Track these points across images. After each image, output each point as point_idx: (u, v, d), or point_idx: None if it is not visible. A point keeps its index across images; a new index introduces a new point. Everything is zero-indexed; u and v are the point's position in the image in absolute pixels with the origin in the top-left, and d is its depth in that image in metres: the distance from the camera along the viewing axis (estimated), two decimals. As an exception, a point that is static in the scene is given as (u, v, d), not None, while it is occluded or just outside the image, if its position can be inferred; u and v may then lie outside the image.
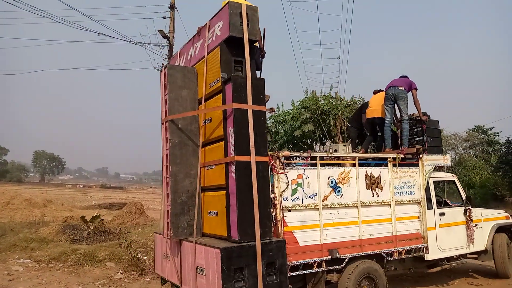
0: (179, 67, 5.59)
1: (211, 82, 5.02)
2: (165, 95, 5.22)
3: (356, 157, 6.06)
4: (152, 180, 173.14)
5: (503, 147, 41.76)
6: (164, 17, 11.47)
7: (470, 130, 39.20)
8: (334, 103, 14.57)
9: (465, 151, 37.01)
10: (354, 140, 8.52)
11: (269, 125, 16.17)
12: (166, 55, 11.52)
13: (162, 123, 5.21)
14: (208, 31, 5.16)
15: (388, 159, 6.35)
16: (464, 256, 7.26)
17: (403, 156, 6.61)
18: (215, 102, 4.94)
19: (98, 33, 10.88)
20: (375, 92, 8.07)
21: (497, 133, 44.04)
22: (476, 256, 7.55)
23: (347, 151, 6.71)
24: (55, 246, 10.16)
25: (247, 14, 4.71)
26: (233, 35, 4.65)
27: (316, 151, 15.51)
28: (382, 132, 7.54)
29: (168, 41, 11.59)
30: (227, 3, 4.69)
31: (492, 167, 40.85)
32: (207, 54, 5.11)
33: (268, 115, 15.74)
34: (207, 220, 5.02)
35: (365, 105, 8.35)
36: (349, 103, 14.68)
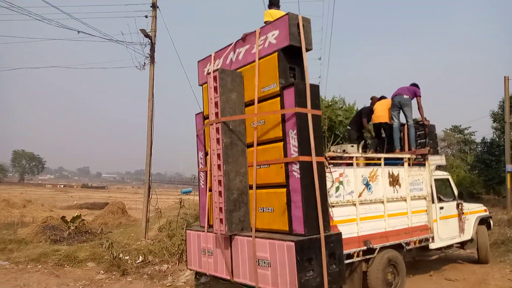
0: (228, 70, 5.77)
1: (264, 87, 5.34)
2: (215, 98, 5.49)
3: (382, 157, 6.77)
4: (135, 179, 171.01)
5: (478, 146, 42.78)
6: (146, 16, 11.34)
7: (447, 129, 40.00)
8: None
9: (442, 150, 37.75)
10: (353, 141, 8.96)
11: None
12: (148, 54, 11.43)
13: (211, 124, 5.48)
14: (259, 39, 5.51)
15: (404, 159, 7.15)
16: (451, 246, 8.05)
17: (415, 157, 7.50)
18: (270, 106, 5.26)
19: (78, 31, 10.73)
20: (380, 98, 8.81)
21: (473, 132, 45.05)
22: (460, 245, 8.29)
23: (359, 152, 7.19)
24: (34, 247, 9.98)
25: (303, 25, 5.13)
26: (293, 44, 5.04)
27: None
28: (389, 136, 8.33)
29: (150, 40, 11.48)
30: (286, 14, 5.11)
31: (468, 165, 41.83)
32: (258, 60, 5.45)
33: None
34: (258, 216, 5.28)
35: (365, 110, 9.27)
36: (330, 103, 14.87)
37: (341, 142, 14.70)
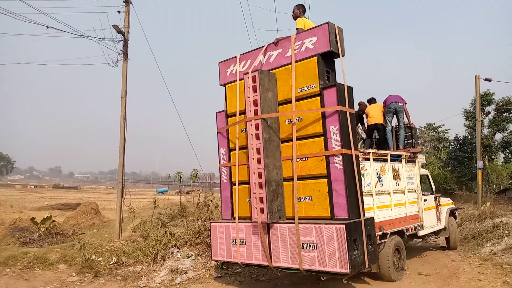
0: (265, 71, 6.24)
1: (302, 87, 5.99)
2: (254, 96, 6.01)
3: (388, 154, 7.63)
4: (109, 179, 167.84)
5: (451, 143, 44.01)
6: (119, 12, 11.08)
7: (422, 127, 40.92)
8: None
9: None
10: None
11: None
12: (121, 50, 11.17)
13: (249, 121, 5.98)
14: (294, 43, 6.17)
15: (402, 156, 8.13)
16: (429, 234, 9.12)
17: (409, 154, 8.47)
18: (308, 105, 5.89)
19: (48, 27, 10.37)
20: (370, 101, 9.83)
21: (447, 130, 46.31)
22: (435, 233, 9.40)
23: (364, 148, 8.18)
24: (2, 250, 9.61)
25: (338, 33, 5.92)
26: (332, 50, 5.77)
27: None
28: (382, 136, 9.29)
29: (123, 36, 11.22)
30: (327, 23, 5.80)
31: (442, 162, 42.94)
32: (295, 63, 6.08)
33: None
34: (294, 205, 5.81)
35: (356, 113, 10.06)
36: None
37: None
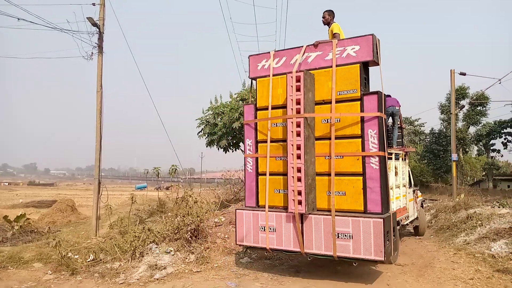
0: (309, 73, 6.61)
1: (342, 91, 6.47)
2: (297, 95, 6.40)
3: (393, 153, 8.10)
4: (86, 175, 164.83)
5: (427, 137, 44.96)
6: (94, 4, 10.83)
7: (399, 121, 41.39)
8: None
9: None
10: None
11: (207, 117, 16.02)
12: (95, 43, 10.93)
13: (290, 118, 6.43)
14: (335, 48, 6.61)
15: (400, 155, 8.73)
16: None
17: (404, 153, 9.24)
18: (347, 108, 6.42)
19: (18, 19, 10.03)
20: None
21: (423, 124, 47.32)
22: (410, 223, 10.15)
23: None
24: (-26, 249, 9.32)
25: (377, 45, 6.49)
26: (374, 60, 6.36)
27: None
28: None
29: (98, 29, 10.98)
30: (371, 35, 6.34)
31: (418, 155, 43.80)
32: (336, 67, 6.54)
33: (206, 106, 15.45)
34: (327, 198, 6.48)
35: None
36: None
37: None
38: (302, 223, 6.45)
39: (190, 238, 8.13)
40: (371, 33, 6.41)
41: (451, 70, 21.46)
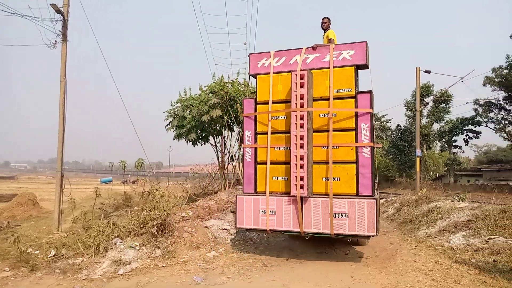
0: (310, 72, 7.47)
1: (338, 89, 7.40)
2: (301, 91, 7.25)
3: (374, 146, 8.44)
4: (49, 168, 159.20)
5: (393, 133, 46.18)
6: (58, -11, 10.40)
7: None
8: (241, 89, 14.67)
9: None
10: None
11: (176, 109, 15.79)
12: (59, 31, 10.52)
13: (294, 111, 7.24)
14: (333, 52, 7.54)
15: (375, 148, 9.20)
16: None
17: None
18: (342, 104, 7.34)
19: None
20: None
21: (389, 120, 48.54)
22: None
23: None
24: None
25: (368, 50, 7.47)
26: (366, 64, 7.39)
27: (225, 136, 15.56)
28: None
29: (62, 16, 10.57)
30: (365, 42, 7.38)
31: (384, 151, 44.92)
32: (333, 68, 7.47)
33: (174, 99, 15.29)
34: (322, 184, 7.33)
35: None
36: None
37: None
38: (301, 205, 7.22)
39: (156, 233, 8.00)
40: (364, 40, 7.44)
41: (416, 68, 22.06)
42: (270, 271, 6.87)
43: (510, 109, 33.52)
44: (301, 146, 7.12)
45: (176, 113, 15.68)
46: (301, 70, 7.42)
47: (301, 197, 7.15)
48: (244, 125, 8.11)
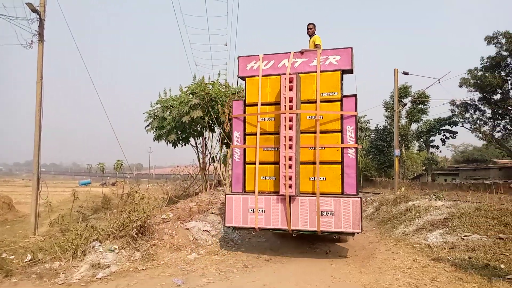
0: (298, 75, 7.76)
1: (325, 92, 7.70)
2: (290, 94, 7.55)
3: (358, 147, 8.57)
4: (25, 171, 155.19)
5: (373, 133, 46.83)
6: (33, -12, 10.20)
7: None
8: (222, 90, 14.65)
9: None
10: None
11: (155, 110, 15.66)
12: (36, 31, 10.31)
13: (283, 113, 7.50)
14: (320, 57, 7.84)
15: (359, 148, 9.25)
16: None
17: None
18: (329, 107, 7.65)
19: None
20: None
21: (369, 120, 49.16)
22: None
23: None
24: None
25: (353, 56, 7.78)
26: (351, 69, 7.72)
27: (206, 137, 15.51)
28: None
29: (38, 16, 10.37)
30: (350, 48, 7.73)
31: (364, 151, 45.48)
32: (320, 72, 7.77)
33: (155, 100, 15.16)
34: (309, 183, 7.61)
35: None
36: (237, 91, 14.91)
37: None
38: (290, 204, 7.48)
39: (136, 235, 7.91)
40: (350, 46, 7.81)
41: (395, 69, 22.44)
42: (251, 272, 6.88)
43: (485, 110, 34.40)
44: (290, 147, 7.40)
45: (156, 114, 15.54)
46: (290, 73, 7.71)
47: (290, 196, 7.41)
48: (233, 126, 8.31)
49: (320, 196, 7.37)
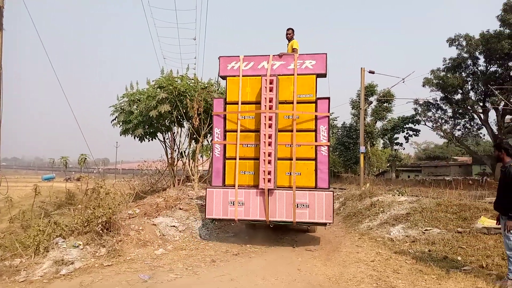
0: (277, 77, 8.28)
1: (301, 94, 8.29)
2: (270, 95, 8.11)
3: (330, 145, 8.96)
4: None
5: (340, 130, 47.70)
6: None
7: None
8: (191, 84, 14.50)
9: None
10: None
11: (122, 104, 15.34)
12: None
13: (264, 113, 8.07)
14: (297, 61, 8.44)
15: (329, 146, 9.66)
16: None
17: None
18: (304, 108, 8.25)
19: None
20: None
21: (336, 118, 50.00)
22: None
23: None
24: None
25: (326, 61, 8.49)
26: (325, 73, 8.39)
27: (174, 132, 15.34)
28: None
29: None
30: (325, 54, 8.41)
31: (331, 147, 46.24)
32: (297, 75, 8.35)
33: (121, 93, 14.86)
34: (286, 178, 8.18)
35: None
36: (206, 85, 14.80)
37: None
38: (268, 197, 8.02)
39: (101, 231, 7.75)
40: (324, 52, 8.46)
41: (361, 68, 22.95)
42: (219, 267, 6.90)
43: (446, 109, 35.74)
44: (269, 144, 7.96)
45: (122, 108, 15.22)
46: (270, 75, 8.24)
47: (268, 190, 7.97)
48: (214, 123, 8.69)
49: (296, 190, 7.94)
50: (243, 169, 8.38)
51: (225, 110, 8.65)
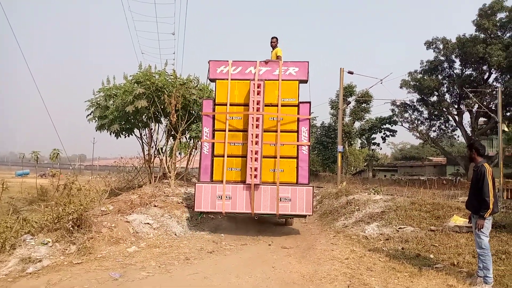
0: (264, 82, 9.07)
1: (285, 98, 9.13)
2: (257, 98, 8.90)
3: (308, 144, 9.49)
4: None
5: (319, 130, 48.03)
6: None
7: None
8: (170, 80, 14.28)
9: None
10: None
11: (98, 99, 15.01)
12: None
13: (251, 114, 8.84)
14: (281, 67, 9.27)
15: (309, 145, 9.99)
16: None
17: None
18: (288, 111, 9.11)
19: None
20: None
21: (315, 117, 50.29)
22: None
23: None
24: None
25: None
26: (306, 80, 9.25)
27: (152, 128, 15.09)
28: None
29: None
30: (307, 62, 9.29)
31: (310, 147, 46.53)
32: (281, 80, 9.20)
33: (97, 88, 14.58)
34: (270, 174, 9.00)
35: None
36: (185, 81, 14.60)
37: (195, 121, 14.65)
38: (254, 191, 8.75)
39: (71, 228, 7.53)
40: (307, 60, 9.31)
41: (340, 68, 23.11)
42: (193, 264, 6.80)
43: (422, 111, 36.44)
44: (256, 143, 8.73)
45: (98, 103, 14.89)
46: (258, 80, 9.01)
47: (254, 185, 8.70)
48: (203, 122, 9.34)
49: (280, 185, 8.76)
50: (230, 165, 9.08)
51: (214, 110, 9.29)
